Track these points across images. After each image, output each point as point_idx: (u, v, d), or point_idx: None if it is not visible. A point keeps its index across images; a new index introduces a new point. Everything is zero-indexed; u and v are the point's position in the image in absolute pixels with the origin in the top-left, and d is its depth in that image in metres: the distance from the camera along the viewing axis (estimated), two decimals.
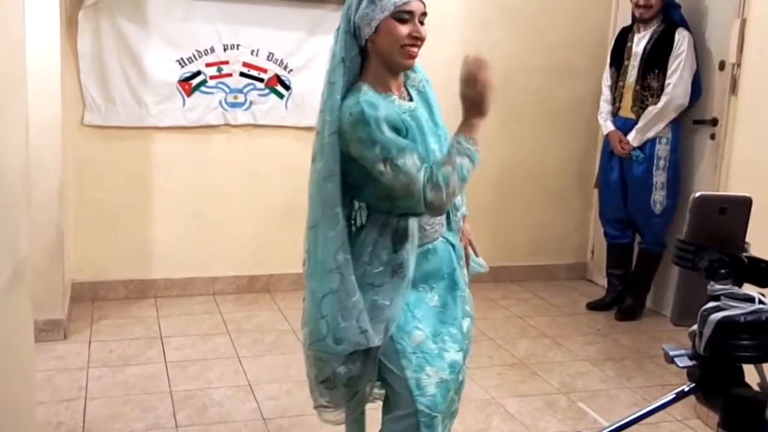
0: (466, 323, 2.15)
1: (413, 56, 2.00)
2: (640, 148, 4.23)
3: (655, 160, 4.21)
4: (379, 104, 1.93)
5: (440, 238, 2.13)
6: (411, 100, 2.08)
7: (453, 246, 2.17)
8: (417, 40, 1.96)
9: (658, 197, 4.23)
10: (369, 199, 2.05)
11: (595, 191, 4.75)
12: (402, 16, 1.93)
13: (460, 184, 1.91)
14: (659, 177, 4.21)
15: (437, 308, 2.11)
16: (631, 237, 4.49)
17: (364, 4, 1.95)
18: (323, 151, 1.98)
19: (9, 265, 2.52)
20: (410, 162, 1.88)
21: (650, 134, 4.19)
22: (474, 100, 1.90)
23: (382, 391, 2.15)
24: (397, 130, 1.92)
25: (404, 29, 1.94)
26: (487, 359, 3.77)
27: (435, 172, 1.89)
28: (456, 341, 2.10)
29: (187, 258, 4.43)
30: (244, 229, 4.47)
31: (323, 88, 2.01)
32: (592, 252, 5.18)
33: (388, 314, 2.01)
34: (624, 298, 4.50)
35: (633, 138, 4.22)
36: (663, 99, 4.11)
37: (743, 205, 1.25)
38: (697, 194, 1.25)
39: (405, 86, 2.10)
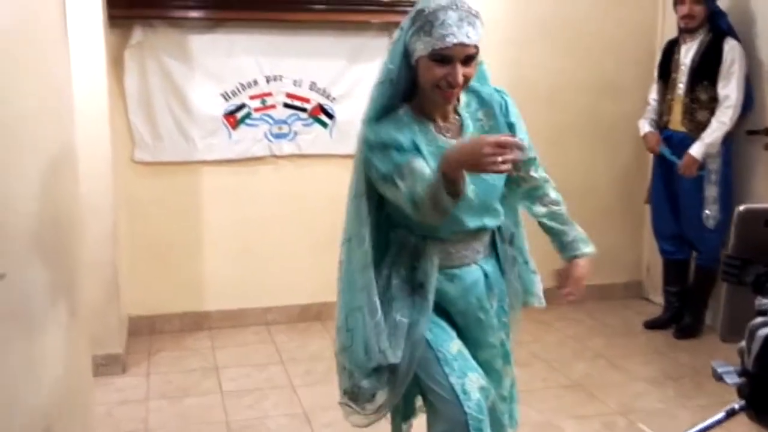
0: (485, 354, 2.15)
1: (448, 97, 1.95)
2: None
3: (706, 174, 4.09)
4: (382, 131, 1.94)
5: (473, 265, 2.11)
6: (461, 128, 2.04)
7: (486, 274, 2.13)
8: (451, 86, 1.91)
9: (711, 212, 4.10)
10: (393, 215, 2.08)
11: (647, 207, 4.67)
12: (439, 58, 1.88)
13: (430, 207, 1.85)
14: (710, 191, 4.09)
15: (460, 332, 2.12)
16: (687, 252, 4.38)
17: (413, 30, 1.91)
18: (355, 168, 2.03)
19: (66, 304, 2.58)
20: (400, 181, 1.89)
21: (716, 149, 4.05)
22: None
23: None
24: (397, 149, 1.93)
25: (439, 72, 1.89)
26: (542, 381, 3.71)
27: (414, 192, 1.86)
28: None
29: (239, 289, 4.47)
30: (293, 258, 4.50)
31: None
32: (648, 269, 5.07)
33: (413, 335, 2.03)
34: (682, 315, 4.40)
35: (700, 154, 4.03)
36: (727, 112, 3.97)
37: None
38: (742, 207, 1.22)
39: (459, 112, 2.05)
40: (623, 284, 5.08)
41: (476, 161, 1.70)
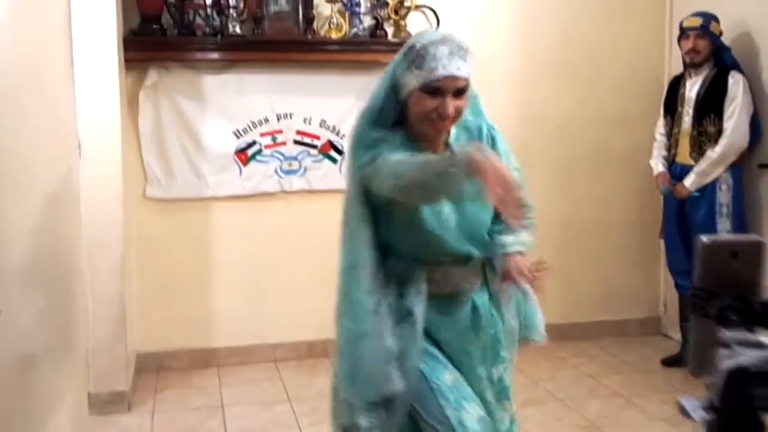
0: (474, 387, 2.09)
1: (438, 129, 1.97)
2: (701, 192, 4.10)
3: (717, 208, 4.07)
4: (374, 131, 1.96)
5: (462, 296, 2.08)
6: None
7: (475, 307, 2.10)
8: (442, 118, 1.93)
9: None
10: (388, 241, 2.05)
11: (662, 241, 4.60)
12: (431, 90, 1.91)
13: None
14: (723, 225, 4.05)
15: (453, 364, 2.07)
16: None
17: (404, 66, 1.95)
18: (349, 193, 2.03)
19: (63, 342, 2.58)
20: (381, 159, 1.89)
21: (709, 179, 4.07)
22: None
23: None
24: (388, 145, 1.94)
25: (430, 104, 1.91)
26: (556, 422, 3.62)
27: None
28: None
29: (248, 325, 4.45)
30: (303, 294, 4.46)
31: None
32: (665, 305, 4.97)
33: (404, 365, 1.98)
34: None
35: (691, 182, 4.10)
36: (722, 142, 4.01)
37: (755, 247, 1.19)
38: (705, 239, 1.20)
39: (449, 145, 2.06)
40: (640, 320, 4.98)
41: (501, 189, 1.62)
